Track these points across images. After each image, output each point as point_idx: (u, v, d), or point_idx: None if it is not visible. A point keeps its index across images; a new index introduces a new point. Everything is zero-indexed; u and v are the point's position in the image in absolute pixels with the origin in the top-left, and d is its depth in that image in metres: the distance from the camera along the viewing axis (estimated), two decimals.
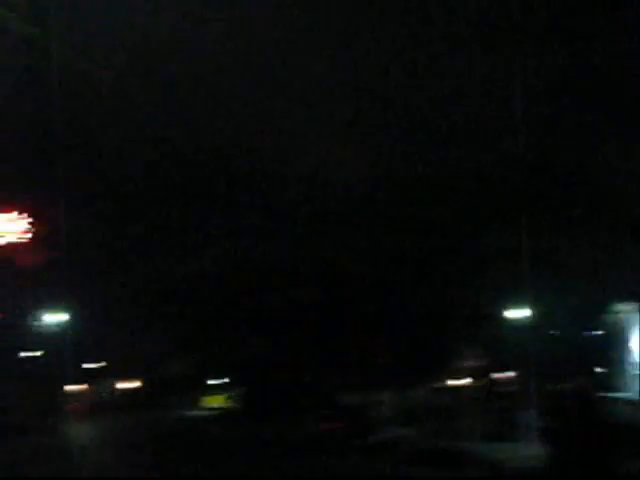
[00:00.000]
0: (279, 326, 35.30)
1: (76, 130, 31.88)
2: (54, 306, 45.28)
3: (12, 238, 35.92)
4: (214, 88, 28.13)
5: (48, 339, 44.98)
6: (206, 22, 26.50)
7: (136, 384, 69.50)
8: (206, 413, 48.33)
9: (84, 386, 70.95)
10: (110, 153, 33.18)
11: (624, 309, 30.62)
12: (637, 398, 27.47)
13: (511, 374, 33.05)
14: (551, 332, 32.28)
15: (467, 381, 33.34)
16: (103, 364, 69.02)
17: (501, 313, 31.80)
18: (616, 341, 31.17)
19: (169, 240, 39.37)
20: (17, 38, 25.28)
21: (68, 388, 67.11)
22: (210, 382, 49.34)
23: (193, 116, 29.03)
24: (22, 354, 44.50)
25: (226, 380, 47.20)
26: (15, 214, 35.24)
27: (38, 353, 44.48)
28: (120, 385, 70.52)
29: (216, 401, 48.25)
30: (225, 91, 27.99)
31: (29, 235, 37.98)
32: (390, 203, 29.92)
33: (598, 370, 31.63)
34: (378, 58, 26.92)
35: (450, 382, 33.27)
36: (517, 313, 31.18)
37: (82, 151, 32.78)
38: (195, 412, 51.74)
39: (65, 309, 46.89)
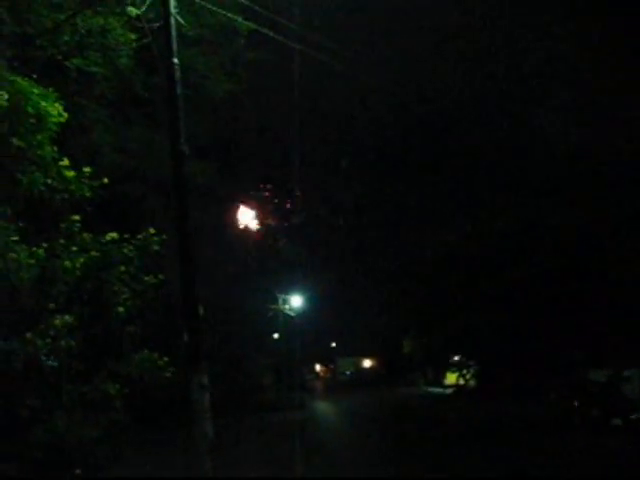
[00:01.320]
0: (518, 301, 32.83)
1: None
2: (295, 290, 47.60)
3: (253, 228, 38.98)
4: None
5: (291, 322, 47.46)
6: None
7: (376, 362, 71.42)
8: (447, 390, 47.35)
9: (326, 366, 75.05)
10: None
11: None
12: None
13: None
14: None
15: None
16: (344, 344, 72.22)
17: None
18: None
19: (406, 221, 39.09)
20: None
21: (314, 367, 71.51)
22: (453, 359, 48.29)
23: None
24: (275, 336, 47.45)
25: (464, 357, 45.39)
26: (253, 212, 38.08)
27: (276, 335, 46.90)
28: (361, 364, 73.12)
29: (454, 378, 46.85)
30: None
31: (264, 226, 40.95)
32: None
33: None
34: None
35: None
36: None
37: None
38: (436, 389, 51.17)
39: (305, 292, 49.44)
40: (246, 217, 38.12)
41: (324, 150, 35.80)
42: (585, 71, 24.35)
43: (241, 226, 37.10)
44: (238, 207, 36.02)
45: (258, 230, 41.69)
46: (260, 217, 40.88)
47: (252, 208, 39.73)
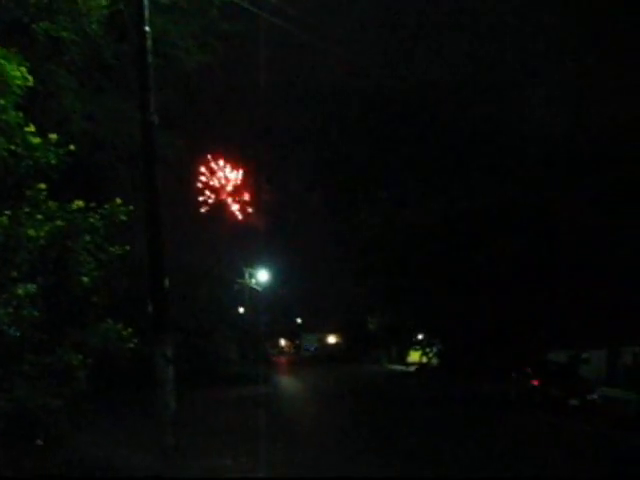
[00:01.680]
0: (482, 282, 33.30)
1: None
2: (262, 264, 47.62)
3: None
4: None
5: (257, 296, 47.57)
6: None
7: (340, 339, 72.16)
8: (410, 368, 48.07)
9: (291, 341, 75.60)
10: None
11: None
12: None
13: None
14: None
15: None
16: (309, 320, 72.75)
17: None
18: None
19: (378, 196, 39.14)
20: None
21: (278, 342, 71.94)
22: (416, 337, 49.03)
23: None
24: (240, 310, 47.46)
25: (427, 336, 46.11)
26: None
27: (241, 309, 46.95)
28: (326, 340, 73.77)
29: (418, 356, 47.63)
30: None
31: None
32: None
33: None
34: None
35: None
36: None
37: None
38: (399, 367, 51.93)
39: (272, 267, 49.59)
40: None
41: (303, 123, 35.66)
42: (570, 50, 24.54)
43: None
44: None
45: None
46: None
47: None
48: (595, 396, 20.85)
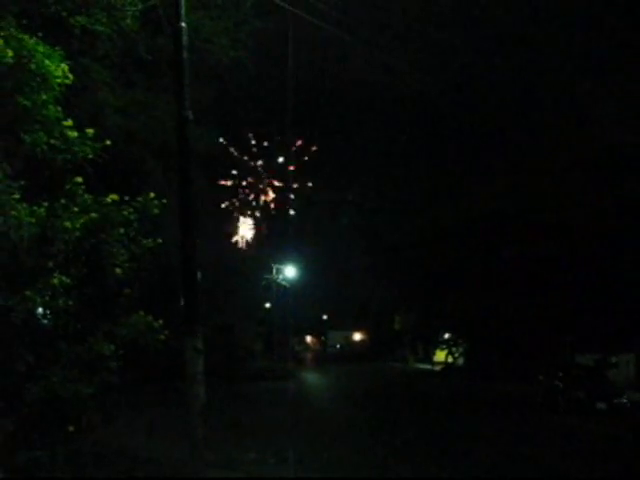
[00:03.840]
0: (510, 283, 33.06)
1: None
2: (289, 261, 47.70)
3: None
4: None
5: (284, 292, 47.68)
6: None
7: (366, 337, 71.92)
8: (435, 367, 47.84)
9: (317, 338, 75.55)
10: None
11: None
12: None
13: None
14: None
15: None
16: (335, 317, 72.63)
17: None
18: None
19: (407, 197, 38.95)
20: None
21: (304, 338, 72.01)
22: (443, 337, 48.72)
23: None
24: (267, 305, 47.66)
25: (454, 336, 45.83)
26: None
27: (268, 305, 47.07)
28: (352, 337, 73.59)
29: (443, 355, 47.39)
30: None
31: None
32: None
33: None
34: None
35: None
36: None
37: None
38: (425, 365, 51.71)
39: (300, 263, 49.62)
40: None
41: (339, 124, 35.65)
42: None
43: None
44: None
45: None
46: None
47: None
48: (623, 400, 20.57)
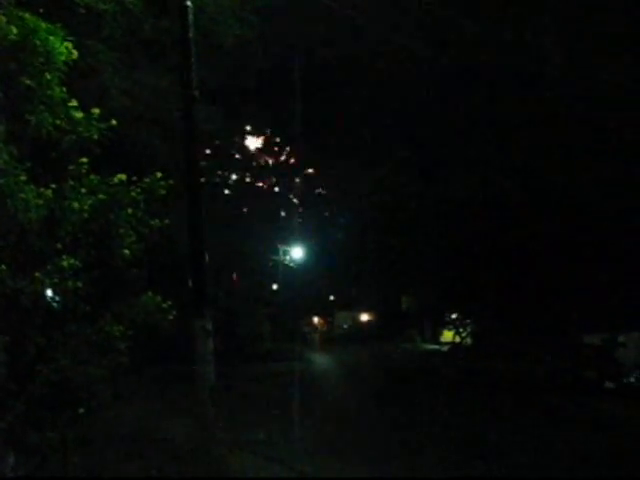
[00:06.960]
0: (517, 262, 32.90)
1: None
2: (296, 241, 47.62)
3: None
4: None
5: (291, 273, 47.70)
6: None
7: (373, 317, 71.95)
8: (443, 348, 47.95)
9: (324, 319, 75.70)
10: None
11: None
12: None
13: None
14: None
15: None
16: (342, 297, 72.71)
17: None
18: None
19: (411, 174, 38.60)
20: None
21: (312, 320, 72.18)
22: (450, 317, 48.68)
23: None
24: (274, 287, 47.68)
25: (461, 315, 45.77)
26: None
27: (275, 286, 47.14)
28: (359, 318, 73.62)
29: (451, 335, 47.41)
30: None
31: None
32: None
33: None
34: None
35: None
36: None
37: None
38: (432, 346, 51.85)
39: (307, 244, 49.55)
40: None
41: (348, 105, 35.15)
42: None
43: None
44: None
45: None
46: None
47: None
48: (632, 379, 20.60)
